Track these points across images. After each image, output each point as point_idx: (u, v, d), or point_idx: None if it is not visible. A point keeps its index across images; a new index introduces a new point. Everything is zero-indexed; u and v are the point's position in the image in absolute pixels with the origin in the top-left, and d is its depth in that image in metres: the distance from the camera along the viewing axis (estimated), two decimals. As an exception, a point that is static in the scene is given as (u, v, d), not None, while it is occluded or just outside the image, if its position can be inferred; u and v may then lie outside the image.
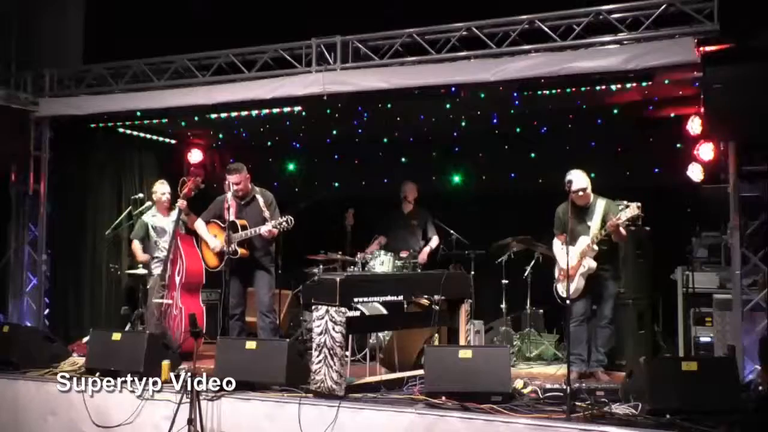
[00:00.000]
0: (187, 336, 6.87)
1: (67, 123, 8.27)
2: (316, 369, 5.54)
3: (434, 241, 8.29)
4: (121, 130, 8.82)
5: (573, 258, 6.22)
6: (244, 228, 6.82)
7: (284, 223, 6.58)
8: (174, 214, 7.72)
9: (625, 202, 6.38)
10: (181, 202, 7.57)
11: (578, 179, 6.23)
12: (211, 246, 7.04)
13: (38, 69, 8.30)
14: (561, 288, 6.48)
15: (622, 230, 6.18)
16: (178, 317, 7.44)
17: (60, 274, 8.43)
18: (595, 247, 6.24)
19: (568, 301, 5.83)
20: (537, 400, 5.42)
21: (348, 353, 6.06)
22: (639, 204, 6.08)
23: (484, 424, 4.99)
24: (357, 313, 6.65)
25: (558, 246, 6.55)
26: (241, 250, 6.76)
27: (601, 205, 6.35)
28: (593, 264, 6.25)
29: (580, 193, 6.28)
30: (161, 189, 7.84)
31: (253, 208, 6.96)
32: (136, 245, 7.88)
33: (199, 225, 7.19)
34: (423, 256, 8.17)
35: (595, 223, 6.30)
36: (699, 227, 7.08)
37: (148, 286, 7.82)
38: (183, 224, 7.78)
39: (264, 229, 6.68)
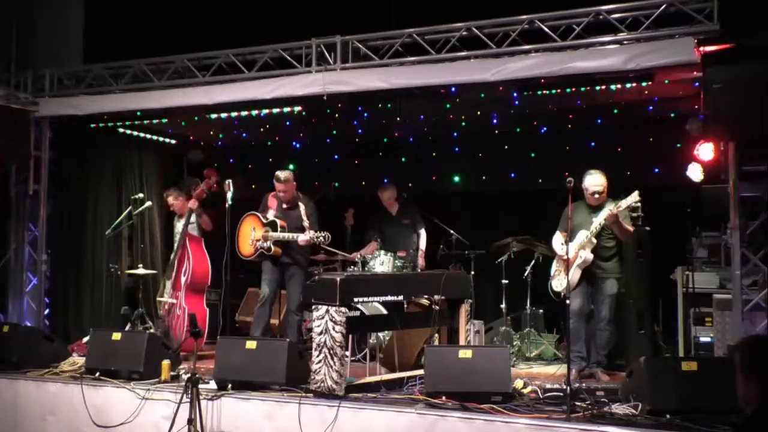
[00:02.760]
0: (187, 336, 6.90)
1: (67, 123, 8.28)
2: (316, 369, 5.54)
3: (423, 238, 8.26)
4: (121, 130, 8.82)
5: (572, 251, 6.23)
6: (283, 228, 7.04)
7: (321, 238, 6.73)
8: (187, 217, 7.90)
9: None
10: (192, 202, 7.70)
11: (597, 181, 6.27)
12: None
13: (38, 69, 8.31)
14: (555, 284, 6.50)
15: (626, 226, 6.18)
16: (181, 317, 7.48)
17: (60, 274, 8.43)
18: (594, 240, 6.25)
19: (567, 301, 5.83)
20: (537, 400, 5.42)
21: (348, 353, 6.06)
22: (638, 191, 6.10)
23: (484, 424, 4.99)
24: (357, 313, 6.67)
25: (558, 241, 6.55)
26: (275, 248, 7.02)
27: (610, 207, 6.36)
28: (590, 256, 6.27)
29: (596, 195, 6.30)
30: (170, 200, 8.13)
31: (295, 213, 7.15)
32: None
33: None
34: (422, 262, 8.14)
35: (597, 220, 6.31)
36: (699, 227, 7.07)
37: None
38: (198, 226, 7.84)
39: (302, 239, 6.87)
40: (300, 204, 7.17)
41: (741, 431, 3.12)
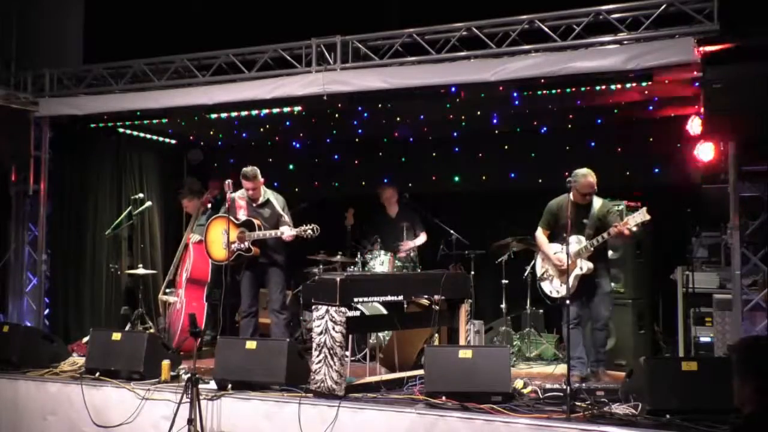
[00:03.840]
0: (187, 336, 6.92)
1: (67, 123, 8.28)
2: (316, 369, 5.54)
3: (421, 239, 8.27)
4: (121, 130, 8.81)
5: (564, 256, 6.19)
6: (260, 228, 6.88)
7: (309, 231, 6.57)
8: (201, 217, 8.06)
9: (624, 203, 6.37)
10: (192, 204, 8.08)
11: (592, 180, 6.20)
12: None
13: (38, 69, 8.30)
14: (546, 287, 6.45)
15: (627, 232, 6.14)
16: (180, 311, 7.53)
17: (60, 274, 8.42)
18: (591, 249, 6.20)
19: (567, 302, 5.82)
20: (537, 400, 5.42)
21: (348, 353, 6.06)
22: (645, 208, 6.03)
23: (484, 424, 4.99)
24: (357, 313, 6.67)
25: (546, 241, 6.49)
26: (254, 249, 6.83)
27: (597, 204, 6.32)
28: (591, 265, 6.19)
29: (588, 198, 6.26)
30: (184, 202, 8.42)
31: (269, 210, 7.03)
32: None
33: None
34: (404, 247, 8.11)
35: (590, 223, 6.26)
36: (699, 227, 7.07)
37: None
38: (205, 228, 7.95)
39: (287, 233, 6.70)
40: (271, 200, 7.05)
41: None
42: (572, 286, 6.17)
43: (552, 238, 6.45)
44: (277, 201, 7.06)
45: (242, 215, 7.00)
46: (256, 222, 6.90)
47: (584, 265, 6.20)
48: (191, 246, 7.77)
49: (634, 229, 6.06)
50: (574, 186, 6.13)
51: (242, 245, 6.80)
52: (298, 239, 6.76)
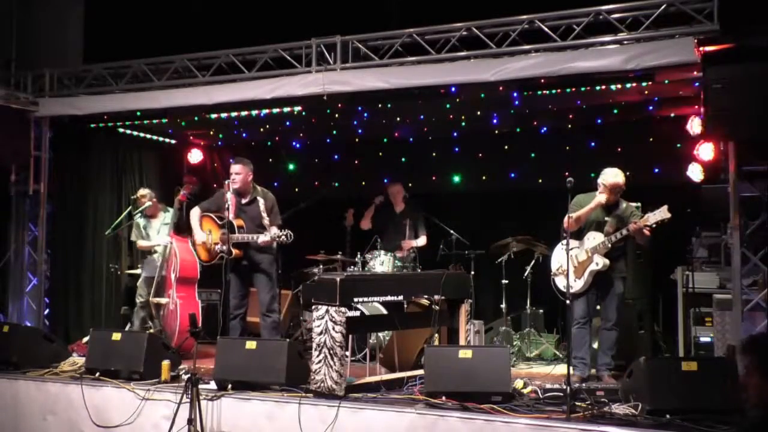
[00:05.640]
0: (187, 336, 6.91)
1: (67, 123, 8.29)
2: (316, 369, 5.54)
3: (421, 240, 8.25)
4: (121, 130, 8.84)
5: (582, 253, 6.19)
6: (240, 228, 6.68)
7: (283, 237, 6.41)
8: (164, 216, 7.99)
9: (639, 204, 6.37)
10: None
11: (621, 181, 6.17)
12: (196, 239, 6.87)
13: (38, 69, 8.31)
14: (560, 282, 6.40)
15: (647, 231, 6.11)
16: (174, 311, 7.48)
17: (60, 274, 8.44)
18: (609, 245, 6.18)
19: (568, 301, 5.80)
20: (537, 400, 5.41)
21: (348, 353, 6.06)
22: (667, 206, 5.97)
23: (484, 424, 4.99)
24: (357, 313, 6.66)
25: (558, 248, 6.45)
26: (235, 251, 6.59)
27: (623, 205, 6.31)
28: (606, 261, 6.14)
29: (615, 198, 6.23)
30: (145, 201, 8.06)
31: (253, 209, 6.79)
32: (142, 243, 8.13)
33: (193, 214, 6.97)
34: (405, 246, 8.08)
35: (611, 222, 6.23)
36: (699, 227, 7.07)
37: (137, 284, 7.95)
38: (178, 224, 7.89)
39: (262, 239, 6.54)
40: (258, 198, 6.80)
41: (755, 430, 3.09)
42: (586, 282, 6.19)
43: (573, 233, 6.38)
44: (264, 201, 6.79)
45: (231, 214, 6.64)
46: (237, 224, 6.67)
47: (600, 261, 6.17)
48: (175, 245, 7.64)
49: (654, 226, 6.03)
50: (601, 184, 6.18)
51: (224, 247, 6.51)
52: (291, 243, 6.55)
